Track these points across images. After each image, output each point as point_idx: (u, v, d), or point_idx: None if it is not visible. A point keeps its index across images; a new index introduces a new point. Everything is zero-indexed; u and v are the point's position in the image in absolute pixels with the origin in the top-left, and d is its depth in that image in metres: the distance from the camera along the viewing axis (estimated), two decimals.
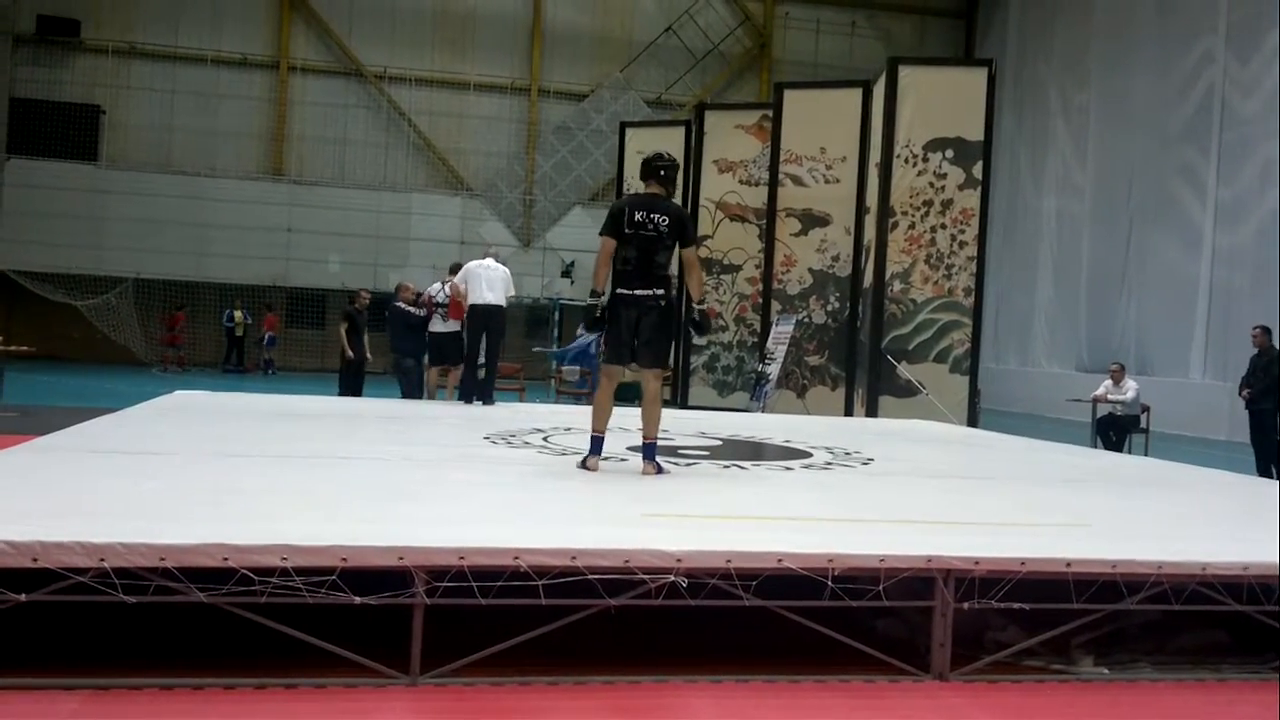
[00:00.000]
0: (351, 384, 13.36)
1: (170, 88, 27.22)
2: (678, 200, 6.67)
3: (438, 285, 12.38)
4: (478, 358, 10.96)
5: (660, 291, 6.00)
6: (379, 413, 9.42)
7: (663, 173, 6.08)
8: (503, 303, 10.75)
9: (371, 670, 3.58)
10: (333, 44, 28.25)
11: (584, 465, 6.09)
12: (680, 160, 17.03)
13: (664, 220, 5.94)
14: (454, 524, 4.15)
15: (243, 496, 4.55)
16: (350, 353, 13.15)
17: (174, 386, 11.64)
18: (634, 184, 17.46)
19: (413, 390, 12.58)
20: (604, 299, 6.05)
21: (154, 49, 27.14)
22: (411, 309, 12.33)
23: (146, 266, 25.88)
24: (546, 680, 3.66)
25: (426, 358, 12.38)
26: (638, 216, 5.92)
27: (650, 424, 6.08)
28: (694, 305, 6.27)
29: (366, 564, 3.56)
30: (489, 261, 10.98)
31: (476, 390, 11.00)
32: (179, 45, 27.24)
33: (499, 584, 3.61)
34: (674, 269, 6.45)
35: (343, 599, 3.50)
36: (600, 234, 6.11)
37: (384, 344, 13.50)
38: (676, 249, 6.08)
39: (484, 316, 10.68)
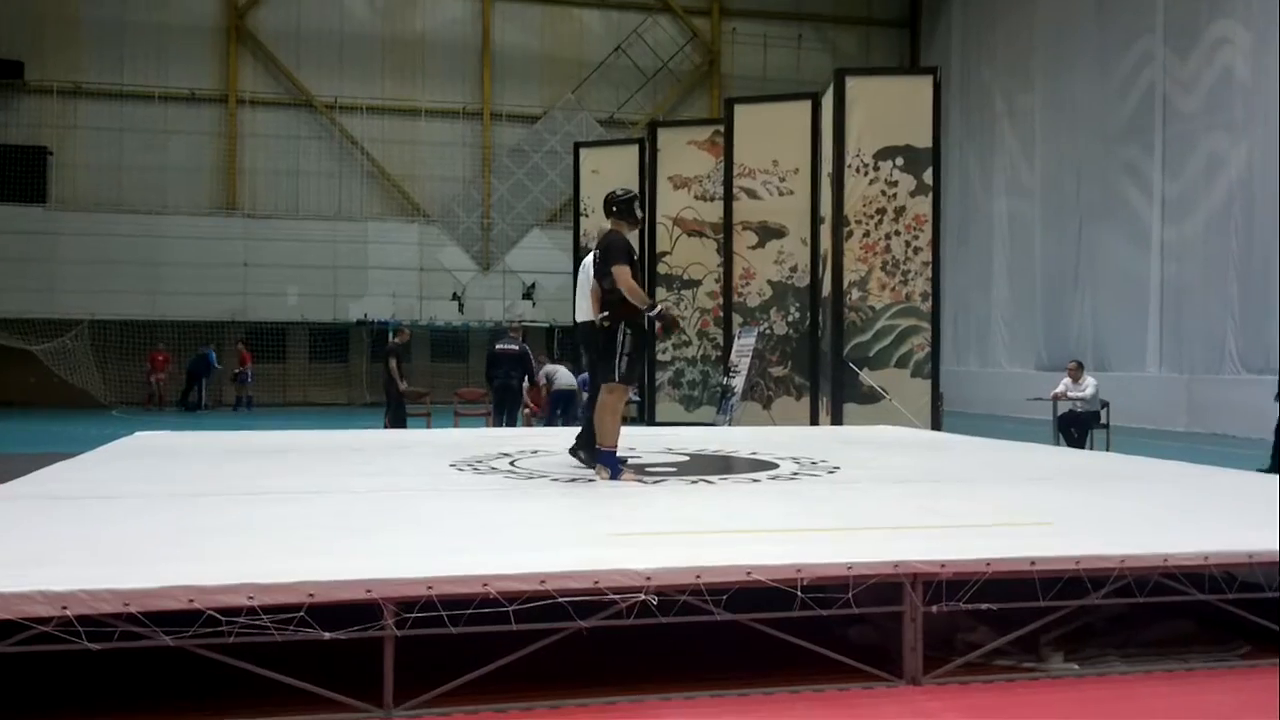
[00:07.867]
0: (399, 415, 14.97)
1: (118, 126, 26.91)
2: (639, 216, 7.15)
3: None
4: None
5: (605, 314, 6.62)
6: (343, 444, 9.35)
7: (614, 209, 6.79)
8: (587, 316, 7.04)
9: (344, 705, 3.55)
10: (281, 75, 28.10)
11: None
12: (635, 180, 17.37)
13: (596, 253, 6.72)
14: (422, 554, 4.13)
15: (207, 536, 4.50)
16: (403, 384, 14.91)
17: (134, 428, 11.48)
18: (591, 203, 17.53)
19: (510, 404, 15.12)
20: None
21: (99, 88, 26.85)
22: (532, 358, 15.48)
23: (101, 307, 25.56)
24: (521, 706, 3.65)
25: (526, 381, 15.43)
26: (586, 259, 6.93)
27: (601, 434, 6.64)
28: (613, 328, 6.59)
29: (334, 598, 3.54)
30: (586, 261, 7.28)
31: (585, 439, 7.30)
32: (125, 83, 26.95)
33: (469, 611, 3.61)
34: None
35: (312, 635, 3.48)
36: None
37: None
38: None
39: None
